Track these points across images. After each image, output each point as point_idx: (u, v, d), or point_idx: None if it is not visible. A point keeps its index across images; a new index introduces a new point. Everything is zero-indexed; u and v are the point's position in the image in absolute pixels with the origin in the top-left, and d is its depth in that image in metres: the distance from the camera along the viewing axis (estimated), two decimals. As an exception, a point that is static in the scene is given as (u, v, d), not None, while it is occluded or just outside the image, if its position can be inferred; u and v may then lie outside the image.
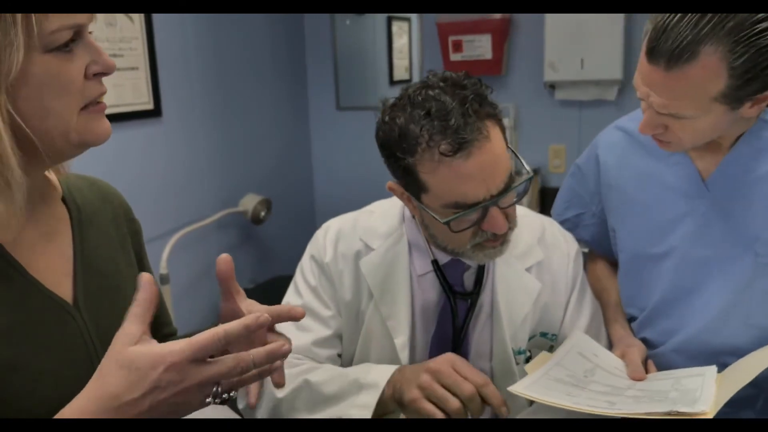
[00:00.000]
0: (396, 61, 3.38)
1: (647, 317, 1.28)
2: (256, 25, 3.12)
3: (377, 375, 1.17)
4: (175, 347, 0.68)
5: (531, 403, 1.19)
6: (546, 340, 1.27)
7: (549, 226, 1.34)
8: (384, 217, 1.31)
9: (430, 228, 1.20)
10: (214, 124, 2.88)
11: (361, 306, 1.27)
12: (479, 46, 3.00)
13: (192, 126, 2.76)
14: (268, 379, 0.84)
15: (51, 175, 0.88)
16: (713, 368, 1.09)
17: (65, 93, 0.73)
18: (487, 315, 1.26)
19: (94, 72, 0.75)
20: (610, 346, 1.29)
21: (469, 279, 1.26)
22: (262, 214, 3.00)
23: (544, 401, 1.03)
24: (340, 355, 1.31)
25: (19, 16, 0.67)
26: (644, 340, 1.27)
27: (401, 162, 1.09)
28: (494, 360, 1.26)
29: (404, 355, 1.24)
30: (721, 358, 1.14)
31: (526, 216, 1.32)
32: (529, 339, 1.26)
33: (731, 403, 1.00)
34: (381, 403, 1.14)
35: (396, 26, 3.34)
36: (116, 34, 2.33)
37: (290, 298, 1.33)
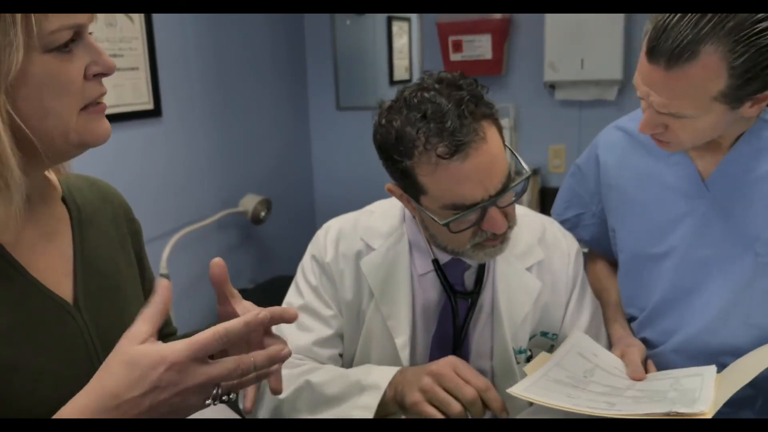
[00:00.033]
0: (396, 61, 3.38)
1: (647, 317, 1.28)
2: (256, 25, 3.12)
3: (379, 376, 1.17)
4: (177, 347, 0.69)
5: (531, 403, 1.19)
6: (547, 340, 1.27)
7: (549, 225, 1.34)
8: (384, 216, 1.31)
9: (430, 228, 1.20)
10: (214, 124, 2.88)
11: (362, 306, 1.28)
12: (479, 46, 3.00)
13: (192, 126, 2.76)
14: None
15: (51, 175, 0.88)
16: (712, 368, 1.09)
17: (65, 93, 0.73)
18: (487, 314, 1.26)
19: (94, 72, 0.75)
20: (610, 346, 1.29)
21: (469, 278, 1.27)
22: (262, 214, 3.00)
23: (543, 403, 1.03)
24: (341, 355, 1.32)
25: (18, 16, 0.67)
26: (644, 340, 1.27)
27: (399, 165, 1.09)
28: (495, 359, 1.26)
29: (405, 355, 1.24)
30: (721, 358, 1.14)
31: (526, 216, 1.32)
32: (530, 338, 1.26)
33: (730, 404, 1.00)
34: (382, 405, 1.14)
35: (396, 26, 3.34)
36: (116, 34, 2.33)
37: (291, 298, 1.33)
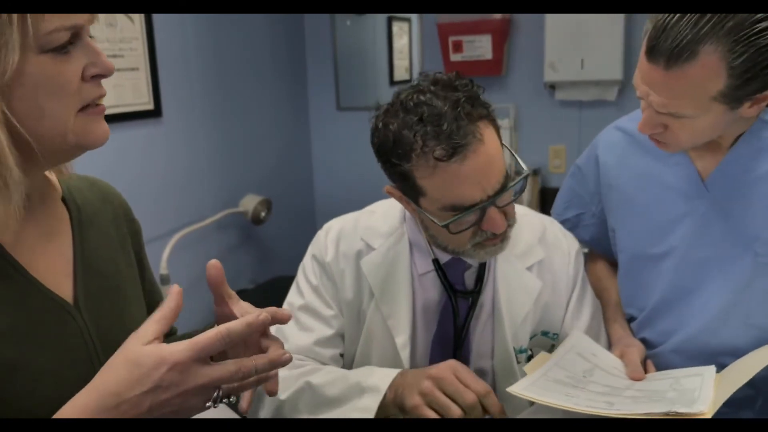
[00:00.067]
0: (396, 62, 3.38)
1: (647, 317, 1.28)
2: (256, 25, 3.12)
3: (379, 379, 1.17)
4: (179, 347, 0.69)
5: (531, 403, 1.20)
6: (547, 339, 1.27)
7: (549, 225, 1.34)
8: (385, 216, 1.32)
9: (430, 229, 1.21)
10: (215, 124, 2.88)
11: (362, 305, 1.28)
12: (479, 47, 3.00)
13: (192, 126, 2.76)
14: None
15: (51, 175, 0.88)
16: (712, 368, 1.09)
17: (61, 94, 0.72)
18: (488, 314, 1.27)
19: (92, 74, 0.75)
20: (610, 346, 1.29)
21: (470, 278, 1.27)
22: (263, 214, 3.00)
23: (542, 402, 1.03)
24: (342, 355, 1.32)
25: (15, 16, 0.67)
26: (643, 341, 1.27)
27: (397, 168, 1.10)
28: (495, 359, 1.26)
29: (405, 354, 1.24)
30: (721, 358, 1.14)
31: (526, 215, 1.32)
32: (531, 338, 1.26)
33: (730, 404, 1.00)
34: (382, 407, 1.14)
35: (396, 26, 3.34)
36: (116, 35, 2.33)
37: (292, 298, 1.33)
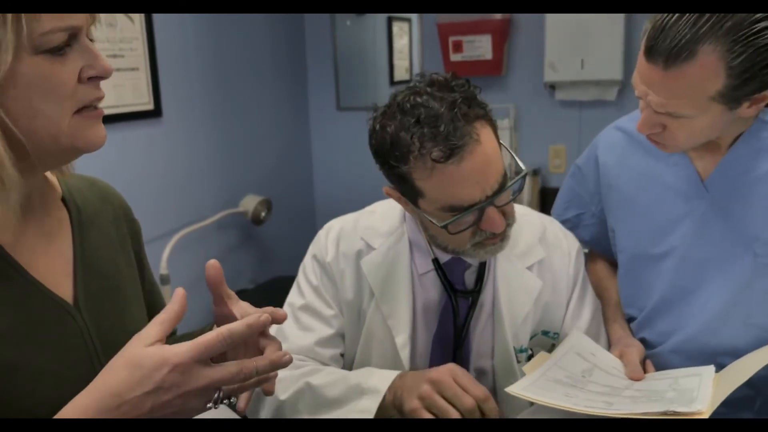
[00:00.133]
0: (396, 62, 3.38)
1: (646, 317, 1.28)
2: (256, 25, 3.12)
3: (378, 380, 1.17)
4: (180, 349, 0.69)
5: (531, 403, 1.20)
6: (548, 339, 1.28)
7: (550, 225, 1.34)
8: (385, 216, 1.32)
9: (429, 229, 1.21)
10: (215, 124, 2.88)
11: (363, 305, 1.28)
12: (479, 47, 3.00)
13: (192, 126, 2.76)
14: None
15: (51, 176, 0.88)
16: (711, 368, 1.09)
17: (56, 96, 0.72)
18: (488, 314, 1.27)
19: (89, 76, 0.74)
20: (609, 346, 1.29)
21: (470, 277, 1.27)
22: (263, 214, 3.00)
23: (541, 402, 1.03)
24: (342, 355, 1.32)
25: (9, 16, 0.66)
26: (643, 341, 1.27)
27: (395, 170, 1.10)
28: (496, 358, 1.26)
29: (405, 354, 1.25)
30: (720, 358, 1.14)
31: (526, 215, 1.32)
32: (531, 337, 1.26)
33: (729, 404, 1.00)
34: (381, 409, 1.14)
35: (396, 27, 3.34)
36: (116, 35, 2.33)
37: (293, 298, 1.34)
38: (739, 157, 1.16)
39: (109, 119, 2.29)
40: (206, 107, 2.83)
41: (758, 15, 0.97)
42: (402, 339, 1.25)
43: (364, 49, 3.43)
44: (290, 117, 3.44)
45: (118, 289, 0.91)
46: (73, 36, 0.72)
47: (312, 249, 1.34)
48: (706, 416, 0.95)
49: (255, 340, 0.82)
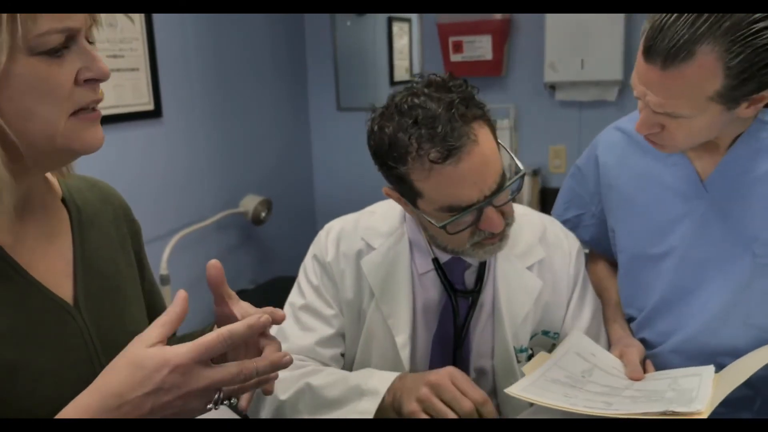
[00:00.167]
0: (396, 62, 3.38)
1: (646, 318, 1.28)
2: (256, 25, 3.12)
3: (378, 382, 1.18)
4: (181, 350, 0.69)
5: (531, 403, 1.20)
6: (548, 339, 1.28)
7: (550, 225, 1.35)
8: (385, 216, 1.32)
9: (428, 229, 1.21)
10: (215, 124, 2.88)
11: (363, 305, 1.28)
12: (479, 47, 3.00)
13: (192, 127, 2.76)
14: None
15: (51, 176, 0.88)
16: (710, 368, 1.09)
17: (51, 97, 0.71)
18: (488, 313, 1.27)
19: (86, 78, 0.73)
20: (609, 346, 1.29)
21: (470, 277, 1.27)
22: (263, 214, 3.00)
23: (541, 402, 1.04)
24: (343, 355, 1.32)
25: (4, 17, 0.66)
26: (643, 341, 1.27)
27: (394, 171, 1.11)
28: (496, 358, 1.26)
29: (405, 354, 1.25)
30: (720, 358, 1.14)
31: (526, 215, 1.32)
32: (531, 337, 1.26)
33: (729, 404, 1.00)
34: (380, 410, 1.15)
35: (396, 27, 3.35)
36: (117, 35, 2.33)
37: (293, 298, 1.34)
38: (738, 157, 1.16)
39: (109, 119, 2.29)
40: (206, 107, 2.83)
41: (756, 15, 0.97)
42: (402, 339, 1.25)
43: (364, 50, 3.43)
44: (290, 117, 3.44)
45: (118, 290, 0.91)
46: (71, 38, 0.72)
47: (312, 249, 1.34)
48: (705, 416, 0.95)
49: (255, 340, 0.82)
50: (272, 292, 2.84)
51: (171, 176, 2.65)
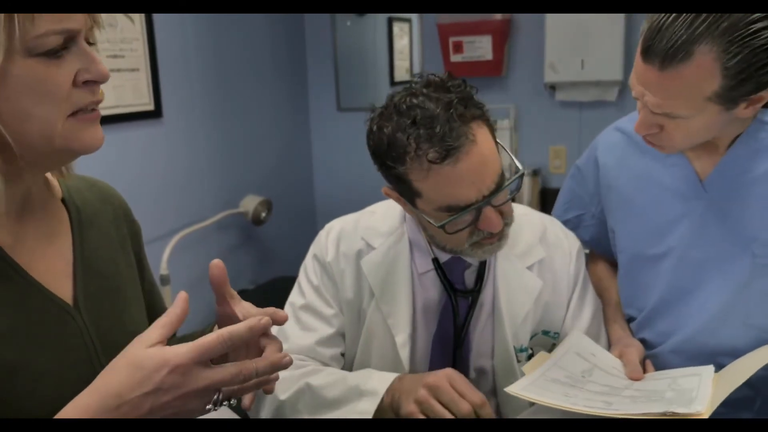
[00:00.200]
0: (397, 62, 3.38)
1: (646, 318, 1.28)
2: (256, 25, 3.12)
3: (377, 383, 1.18)
4: (181, 350, 0.69)
5: (532, 403, 1.20)
6: (548, 338, 1.28)
7: (550, 224, 1.35)
8: (385, 216, 1.32)
9: (427, 229, 1.21)
10: (215, 124, 2.88)
11: (363, 305, 1.28)
12: (480, 47, 3.00)
13: (192, 127, 2.76)
14: None
15: (51, 177, 0.88)
16: (710, 368, 1.09)
17: (49, 98, 0.71)
18: (488, 313, 1.27)
19: (84, 80, 0.73)
20: (609, 346, 1.29)
21: (470, 277, 1.27)
22: (263, 215, 3.00)
23: (540, 402, 1.04)
24: (343, 354, 1.32)
25: (1, 18, 0.66)
26: (643, 341, 1.27)
27: (392, 170, 1.11)
28: (496, 358, 1.26)
29: (405, 354, 1.25)
30: (719, 358, 1.14)
31: (526, 215, 1.33)
32: (531, 337, 1.26)
33: (729, 404, 1.00)
34: (379, 411, 1.15)
35: (397, 27, 3.35)
36: (117, 35, 2.33)
37: (294, 298, 1.34)
38: (737, 157, 1.16)
39: (110, 120, 2.29)
40: (206, 107, 2.83)
41: (754, 16, 0.97)
42: (402, 338, 1.25)
43: (365, 50, 3.43)
44: (290, 117, 3.44)
45: (117, 290, 0.91)
46: (70, 39, 0.72)
47: (313, 249, 1.35)
48: (705, 416, 0.95)
49: (256, 340, 0.82)
50: (272, 292, 2.84)
51: (171, 176, 2.65)
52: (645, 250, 1.27)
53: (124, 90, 2.38)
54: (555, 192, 1.56)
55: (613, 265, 1.42)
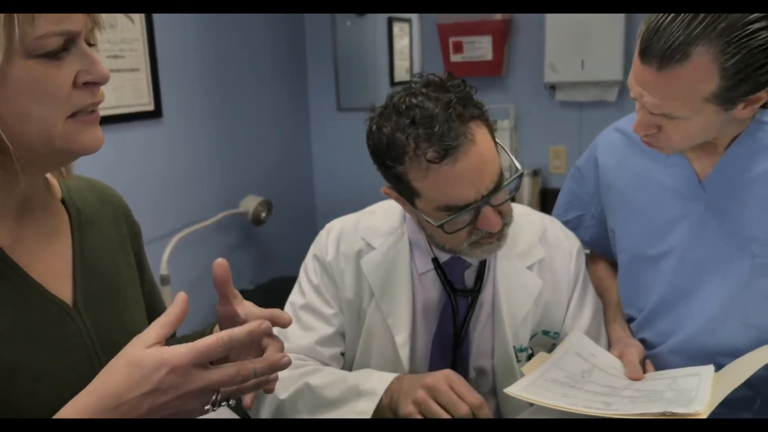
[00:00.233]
0: (397, 62, 3.38)
1: (646, 318, 1.28)
2: (256, 25, 3.12)
3: (376, 383, 1.18)
4: (180, 350, 0.69)
5: (531, 403, 1.20)
6: (548, 338, 1.28)
7: (550, 224, 1.35)
8: (385, 216, 1.32)
9: (426, 229, 1.21)
10: (215, 125, 2.88)
11: (363, 304, 1.28)
12: (480, 47, 3.00)
13: (192, 127, 2.76)
14: None
15: (51, 177, 0.88)
16: (710, 368, 1.09)
17: (49, 100, 0.71)
18: (488, 313, 1.27)
19: (84, 81, 0.73)
20: (609, 347, 1.29)
21: (469, 277, 1.27)
22: (263, 215, 3.00)
23: (539, 403, 1.04)
24: (343, 354, 1.32)
25: (1, 19, 0.66)
26: (643, 341, 1.27)
27: (391, 170, 1.11)
28: (496, 358, 1.26)
29: (405, 353, 1.25)
30: (719, 358, 1.14)
31: (526, 215, 1.33)
32: (531, 337, 1.26)
33: (729, 405, 1.00)
34: (378, 411, 1.15)
35: (397, 27, 3.35)
36: (117, 36, 2.33)
37: (294, 297, 1.35)
38: (736, 157, 1.16)
39: (110, 120, 2.29)
40: (206, 108, 2.83)
41: (751, 16, 0.97)
42: (402, 338, 1.25)
43: (365, 50, 3.43)
44: (290, 117, 3.44)
45: (117, 290, 0.91)
46: (71, 40, 0.72)
47: (313, 249, 1.35)
48: (704, 416, 0.95)
49: (258, 340, 0.82)
50: (272, 292, 2.84)
51: (171, 176, 2.65)
52: (645, 251, 1.27)
53: (124, 90, 2.38)
54: (555, 192, 1.56)
55: (614, 265, 1.42)
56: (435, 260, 1.26)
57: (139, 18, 2.41)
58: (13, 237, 0.78)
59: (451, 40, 3.04)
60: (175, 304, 0.75)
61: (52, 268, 0.82)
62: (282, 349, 0.82)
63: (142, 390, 0.68)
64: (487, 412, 1.09)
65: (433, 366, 1.28)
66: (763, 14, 0.97)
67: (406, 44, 3.36)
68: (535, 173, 3.02)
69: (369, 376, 1.20)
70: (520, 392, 1.06)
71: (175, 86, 2.63)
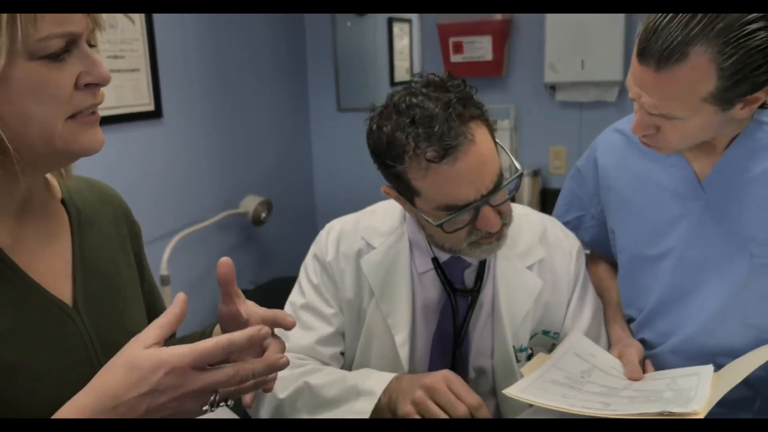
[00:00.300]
0: (397, 63, 3.39)
1: (645, 318, 1.28)
2: (256, 26, 3.12)
3: (375, 383, 1.18)
4: (179, 351, 0.69)
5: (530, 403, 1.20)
6: (548, 338, 1.28)
7: (550, 224, 1.35)
8: (385, 216, 1.33)
9: (426, 228, 1.22)
10: (215, 125, 2.88)
11: (363, 304, 1.29)
12: (480, 48, 3.00)
13: (192, 127, 2.76)
14: None
15: (51, 177, 0.88)
16: (709, 368, 1.10)
17: (50, 101, 0.71)
18: (487, 313, 1.27)
19: (86, 82, 0.74)
20: (609, 347, 1.29)
21: (469, 277, 1.27)
22: (263, 215, 3.00)
23: (538, 404, 1.04)
24: (343, 353, 1.33)
25: (3, 21, 0.66)
26: (642, 341, 1.28)
27: (391, 169, 1.11)
28: (495, 358, 1.26)
29: (404, 353, 1.25)
30: (718, 358, 1.14)
31: (526, 215, 1.33)
32: (531, 337, 1.26)
33: (728, 405, 1.00)
34: (377, 411, 1.15)
35: (397, 27, 3.35)
36: (117, 36, 2.33)
37: (294, 297, 1.35)
38: (735, 157, 1.16)
39: (110, 120, 2.29)
40: (206, 108, 2.83)
41: (749, 17, 0.97)
42: (401, 338, 1.25)
43: (365, 50, 3.43)
44: (290, 117, 3.44)
45: (117, 291, 0.91)
46: (72, 42, 0.72)
47: (313, 249, 1.35)
48: (701, 416, 0.95)
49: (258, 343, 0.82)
50: (272, 292, 2.84)
51: (171, 177, 2.65)
52: (644, 251, 1.27)
53: (124, 90, 2.38)
54: (555, 192, 1.56)
55: (614, 265, 1.42)
56: (435, 260, 1.26)
57: (139, 18, 2.41)
58: (13, 237, 0.78)
59: (451, 40, 3.04)
60: (175, 304, 0.75)
61: (52, 268, 0.82)
62: (283, 349, 0.82)
63: (140, 390, 0.68)
64: (485, 413, 1.09)
65: (433, 366, 1.28)
66: (761, 14, 0.97)
67: (406, 44, 3.36)
68: (535, 173, 3.02)
69: (368, 376, 1.21)
70: (519, 393, 1.06)
71: (175, 86, 2.63)
